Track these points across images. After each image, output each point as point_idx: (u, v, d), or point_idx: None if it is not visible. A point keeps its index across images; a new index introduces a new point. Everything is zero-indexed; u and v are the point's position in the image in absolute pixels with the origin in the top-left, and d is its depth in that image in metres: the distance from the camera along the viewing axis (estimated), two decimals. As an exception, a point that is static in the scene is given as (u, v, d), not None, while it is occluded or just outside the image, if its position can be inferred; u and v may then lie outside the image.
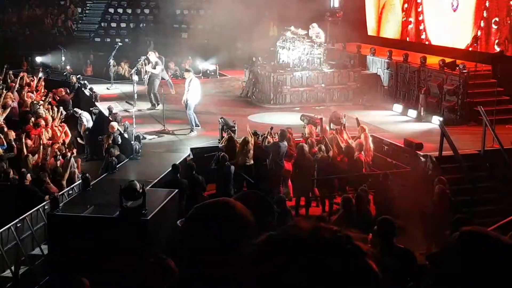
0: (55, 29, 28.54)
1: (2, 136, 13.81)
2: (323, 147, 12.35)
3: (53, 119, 16.04)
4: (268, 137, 13.09)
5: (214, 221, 2.11)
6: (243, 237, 1.94)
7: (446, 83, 16.51)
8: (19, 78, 19.36)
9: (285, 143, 12.69)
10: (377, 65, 19.45)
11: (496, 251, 1.79)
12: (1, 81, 19.15)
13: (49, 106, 17.33)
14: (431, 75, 17.14)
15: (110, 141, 13.55)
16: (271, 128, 13.40)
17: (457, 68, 16.37)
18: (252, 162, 12.57)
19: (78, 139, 16.70)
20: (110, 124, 14.38)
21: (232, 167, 12.06)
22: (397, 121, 16.66)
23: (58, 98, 18.65)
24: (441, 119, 14.98)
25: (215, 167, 12.19)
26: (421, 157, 13.07)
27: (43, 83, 20.04)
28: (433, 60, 17.55)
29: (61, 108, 17.18)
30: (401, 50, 19.32)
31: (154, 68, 18.01)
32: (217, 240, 2.07)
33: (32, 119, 15.43)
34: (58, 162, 12.84)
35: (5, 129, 14.35)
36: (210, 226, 2.10)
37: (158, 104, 17.57)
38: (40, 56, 24.91)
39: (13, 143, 13.68)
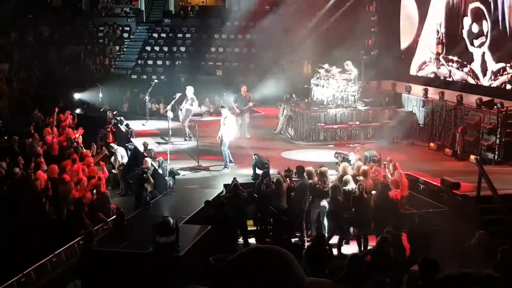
0: (94, 67, 29.21)
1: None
2: (361, 184, 12.11)
3: (93, 156, 16.25)
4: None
5: (265, 269, 2.02)
6: None
7: (483, 121, 16.28)
8: (55, 114, 19.68)
9: (307, 179, 12.64)
10: (413, 103, 19.30)
11: None
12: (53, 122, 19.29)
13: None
14: (468, 114, 16.92)
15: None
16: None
17: (495, 107, 16.14)
18: (286, 205, 12.49)
19: (113, 170, 16.74)
20: (144, 160, 14.51)
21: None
22: (433, 160, 16.42)
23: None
24: (478, 158, 14.73)
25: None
26: (458, 197, 12.81)
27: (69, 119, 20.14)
28: (470, 99, 17.35)
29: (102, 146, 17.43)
30: (437, 88, 19.17)
31: (191, 104, 18.34)
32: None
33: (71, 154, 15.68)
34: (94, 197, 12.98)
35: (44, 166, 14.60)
36: (259, 272, 2.02)
37: (190, 138, 17.85)
38: (78, 93, 25.42)
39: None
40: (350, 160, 13.84)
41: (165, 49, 30.34)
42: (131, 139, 18.52)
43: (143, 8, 33.00)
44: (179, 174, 14.52)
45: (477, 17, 18.49)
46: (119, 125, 20.26)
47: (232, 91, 23.29)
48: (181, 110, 18.48)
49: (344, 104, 18.73)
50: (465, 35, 19.08)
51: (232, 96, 22.26)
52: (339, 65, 19.12)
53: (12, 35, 29.24)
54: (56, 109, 19.85)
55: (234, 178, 12.99)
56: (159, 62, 29.68)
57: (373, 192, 12.23)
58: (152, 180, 13.76)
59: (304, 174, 12.83)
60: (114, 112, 21.16)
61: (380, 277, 6.40)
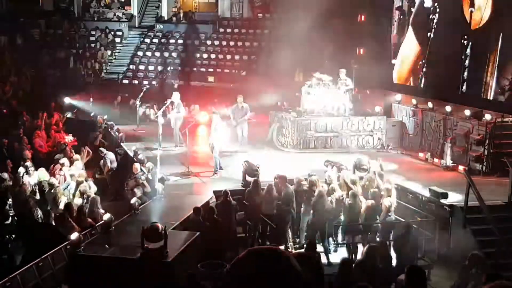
0: (85, 71, 29.14)
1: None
2: (351, 192, 12.19)
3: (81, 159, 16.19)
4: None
5: (266, 268, 2.04)
6: None
7: (472, 132, 16.39)
8: (43, 118, 19.63)
9: (290, 187, 12.67)
10: (403, 112, 19.41)
11: None
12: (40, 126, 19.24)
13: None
14: (457, 125, 17.03)
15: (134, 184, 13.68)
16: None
17: (483, 118, 16.26)
18: (275, 211, 12.51)
19: (97, 175, 16.60)
20: (133, 165, 14.48)
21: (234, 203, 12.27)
22: (422, 170, 16.49)
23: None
24: (467, 168, 14.81)
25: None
26: (446, 207, 12.87)
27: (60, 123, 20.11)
28: (459, 110, 17.45)
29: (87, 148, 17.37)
30: (426, 98, 19.25)
31: (178, 111, 18.36)
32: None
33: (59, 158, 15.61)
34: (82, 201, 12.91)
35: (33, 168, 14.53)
36: (262, 273, 2.04)
37: (181, 144, 17.85)
38: (69, 97, 25.30)
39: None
40: (339, 168, 13.88)
41: (157, 54, 30.34)
42: (121, 144, 18.48)
43: (135, 13, 33.02)
44: (168, 180, 14.50)
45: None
46: (109, 130, 20.21)
47: (223, 97, 23.31)
48: (171, 116, 18.52)
49: (335, 112, 18.80)
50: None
51: (223, 103, 22.27)
52: (331, 74, 19.20)
53: (2, 39, 29.14)
54: (45, 114, 19.79)
55: (225, 190, 12.89)
56: (151, 68, 29.67)
57: (363, 200, 12.27)
58: (148, 187, 13.72)
59: (293, 182, 12.88)
60: (105, 117, 21.10)
61: (364, 284, 6.43)
